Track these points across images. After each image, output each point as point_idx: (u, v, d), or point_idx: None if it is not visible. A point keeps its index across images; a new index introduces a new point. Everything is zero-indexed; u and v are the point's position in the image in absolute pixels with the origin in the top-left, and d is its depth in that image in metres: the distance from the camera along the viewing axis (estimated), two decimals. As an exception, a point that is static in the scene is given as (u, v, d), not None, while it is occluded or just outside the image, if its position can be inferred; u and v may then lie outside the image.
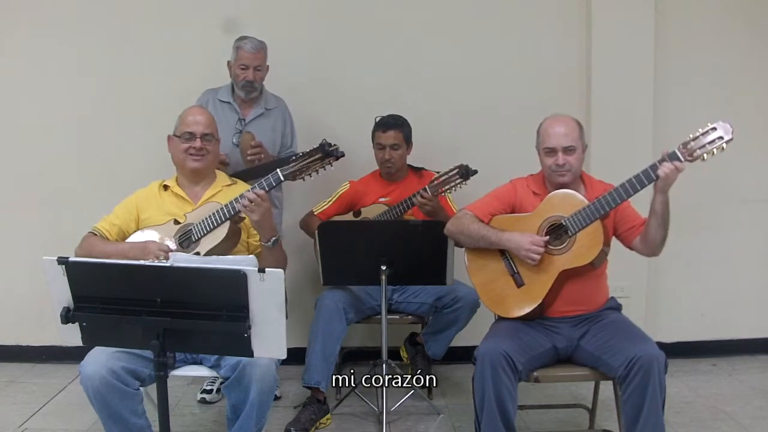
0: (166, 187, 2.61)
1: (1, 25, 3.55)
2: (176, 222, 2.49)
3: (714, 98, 3.56)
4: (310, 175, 2.44)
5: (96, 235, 2.51)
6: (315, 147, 2.43)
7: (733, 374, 3.51)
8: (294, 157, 2.44)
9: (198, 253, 2.37)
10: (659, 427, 2.19)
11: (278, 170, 2.42)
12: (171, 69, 3.52)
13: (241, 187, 2.60)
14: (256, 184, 2.41)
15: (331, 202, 3.24)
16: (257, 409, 2.17)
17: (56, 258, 1.76)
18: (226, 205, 2.40)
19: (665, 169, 2.20)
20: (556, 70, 3.61)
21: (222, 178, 2.66)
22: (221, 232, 2.40)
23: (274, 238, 2.44)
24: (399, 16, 3.60)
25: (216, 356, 2.29)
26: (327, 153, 2.41)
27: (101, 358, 2.12)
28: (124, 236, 2.53)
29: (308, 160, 2.41)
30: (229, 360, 2.18)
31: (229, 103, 3.17)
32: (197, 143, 2.52)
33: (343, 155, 2.45)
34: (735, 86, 3.60)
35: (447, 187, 2.96)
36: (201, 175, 2.59)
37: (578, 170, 2.46)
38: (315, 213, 3.24)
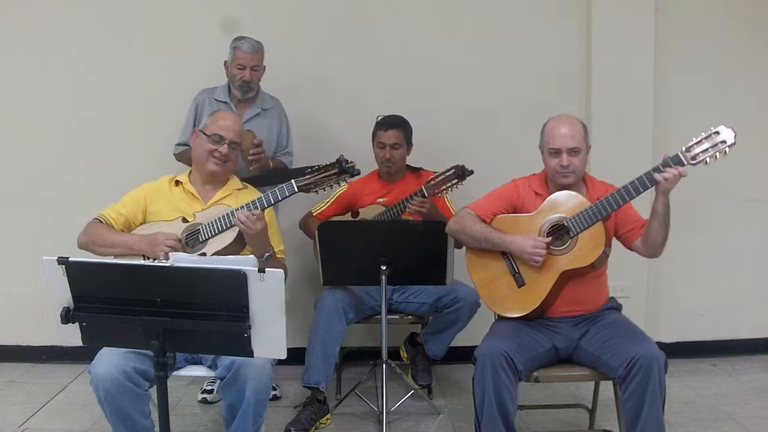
0: (177, 183, 2.61)
1: (1, 25, 3.55)
2: (184, 220, 2.49)
3: (714, 98, 3.56)
4: (323, 189, 2.47)
5: (101, 222, 2.50)
6: (332, 162, 2.45)
7: (733, 374, 3.51)
8: (309, 170, 2.45)
9: (204, 254, 2.37)
10: (659, 427, 2.19)
11: (293, 181, 2.44)
12: (171, 69, 3.52)
13: (252, 192, 2.61)
14: (269, 192, 2.42)
15: (329, 203, 3.24)
16: (253, 408, 2.16)
17: (56, 258, 1.75)
18: (236, 210, 2.40)
19: (668, 174, 2.20)
20: (556, 70, 3.61)
21: (234, 182, 2.66)
22: (230, 236, 2.41)
23: (267, 254, 2.44)
24: (398, 17, 3.60)
25: (213, 356, 2.28)
26: (343, 170, 2.43)
27: (113, 359, 2.09)
28: (129, 227, 2.52)
29: (323, 175, 2.44)
30: (225, 360, 2.18)
31: (225, 102, 3.17)
32: (224, 149, 2.53)
33: (359, 173, 2.49)
34: (735, 86, 3.60)
35: (443, 187, 2.96)
36: (216, 178, 2.60)
37: (582, 171, 2.46)
38: (314, 214, 3.25)
